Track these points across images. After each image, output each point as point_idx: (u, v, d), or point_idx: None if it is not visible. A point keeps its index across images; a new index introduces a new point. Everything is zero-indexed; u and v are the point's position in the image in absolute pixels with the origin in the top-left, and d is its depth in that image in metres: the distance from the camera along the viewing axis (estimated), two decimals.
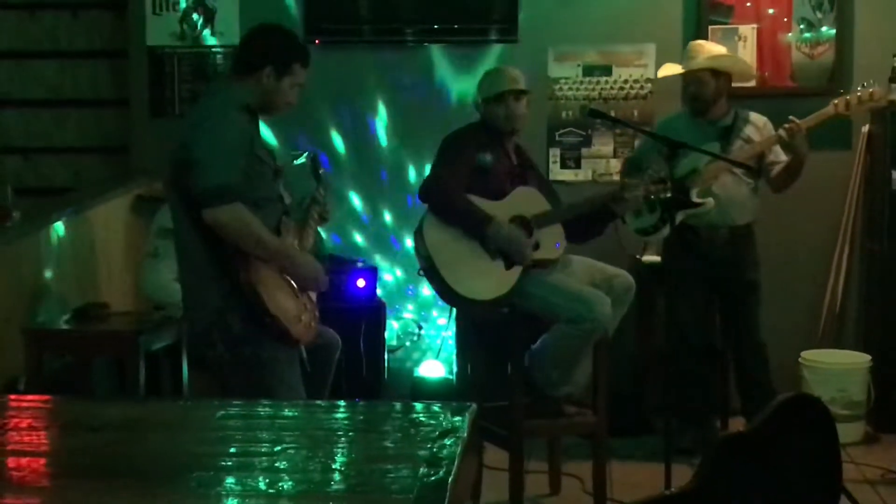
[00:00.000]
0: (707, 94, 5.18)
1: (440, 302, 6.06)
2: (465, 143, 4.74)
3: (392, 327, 6.15)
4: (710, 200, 5.08)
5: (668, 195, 4.70)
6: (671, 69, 5.36)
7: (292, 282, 3.88)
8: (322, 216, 4.19)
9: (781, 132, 5.00)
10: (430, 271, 4.62)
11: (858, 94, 5.03)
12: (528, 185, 4.81)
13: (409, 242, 6.15)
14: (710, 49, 5.27)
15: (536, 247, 4.66)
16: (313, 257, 4.03)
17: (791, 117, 4.97)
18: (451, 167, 4.65)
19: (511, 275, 4.60)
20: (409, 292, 6.24)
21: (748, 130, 5.21)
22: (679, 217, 5.06)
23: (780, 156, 5.17)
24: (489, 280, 4.59)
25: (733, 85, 5.43)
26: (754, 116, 5.27)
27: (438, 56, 6.14)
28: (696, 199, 5.07)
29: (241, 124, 3.78)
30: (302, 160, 4.32)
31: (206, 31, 6.22)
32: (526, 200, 4.73)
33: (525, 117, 4.84)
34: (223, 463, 2.27)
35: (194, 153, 3.68)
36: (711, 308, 5.34)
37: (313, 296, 4.03)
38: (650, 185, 4.74)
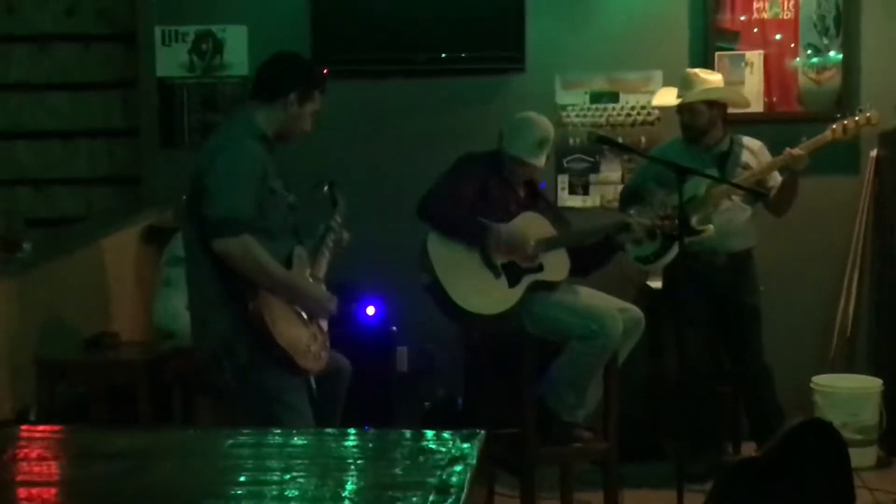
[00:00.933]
0: (700, 124, 5.20)
1: (449, 326, 6.07)
2: (474, 166, 4.78)
3: (402, 354, 6.15)
4: (710, 227, 5.07)
5: (675, 231, 4.72)
6: (666, 98, 5.38)
7: (301, 311, 3.89)
8: (338, 244, 4.19)
9: (782, 158, 5.00)
10: (434, 286, 4.64)
11: (856, 118, 5.02)
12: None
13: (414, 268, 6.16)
14: (705, 79, 5.26)
15: (541, 268, 4.68)
16: (323, 287, 4.04)
17: (796, 150, 4.97)
18: (451, 184, 4.70)
19: (515, 292, 4.62)
20: (420, 319, 6.23)
21: (745, 156, 5.22)
22: (678, 247, 5.06)
23: (777, 180, 5.18)
24: (493, 296, 4.61)
25: (741, 111, 5.45)
26: (750, 141, 5.28)
27: (446, 84, 6.16)
28: (696, 227, 5.07)
29: (257, 154, 3.81)
30: (320, 188, 4.31)
31: (216, 62, 6.25)
32: (531, 225, 4.75)
33: (529, 176, 4.88)
34: (234, 492, 2.28)
35: (208, 181, 3.71)
36: (715, 333, 5.34)
37: (324, 324, 4.04)
38: (657, 220, 4.77)
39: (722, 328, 5.34)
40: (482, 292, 4.61)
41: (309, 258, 4.02)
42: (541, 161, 4.82)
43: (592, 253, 4.85)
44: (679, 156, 5.07)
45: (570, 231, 4.90)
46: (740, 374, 5.35)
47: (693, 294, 5.15)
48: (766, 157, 5.21)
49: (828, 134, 5.02)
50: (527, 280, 4.67)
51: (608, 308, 4.60)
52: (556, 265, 4.74)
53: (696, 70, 5.40)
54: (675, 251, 5.05)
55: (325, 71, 4.14)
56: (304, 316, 3.91)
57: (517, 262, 4.67)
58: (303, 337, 3.87)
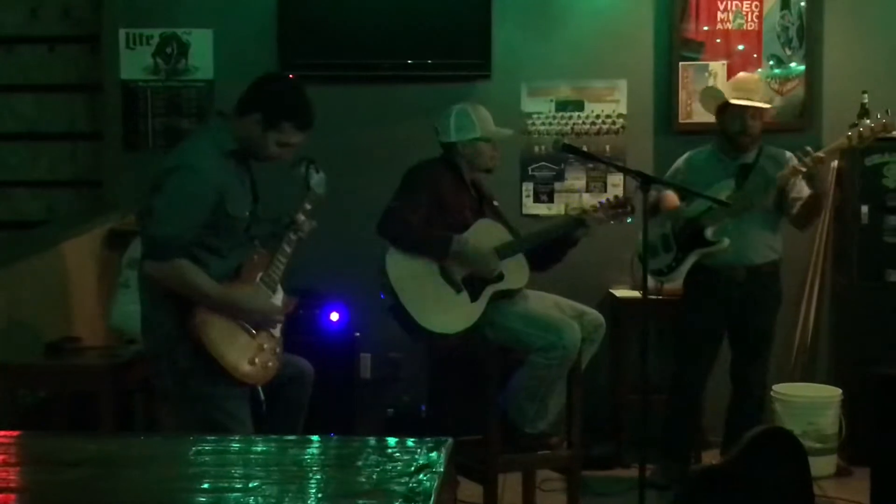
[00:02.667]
0: (759, 130, 5.10)
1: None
2: (428, 177, 4.75)
3: (366, 360, 6.14)
4: (725, 241, 4.99)
5: (630, 220, 4.71)
6: (751, 97, 5.13)
7: (245, 323, 3.86)
8: (300, 234, 4.07)
9: (798, 163, 4.88)
10: (396, 308, 4.61)
11: (872, 125, 4.89)
12: (486, 216, 4.83)
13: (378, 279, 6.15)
14: (764, 85, 5.20)
15: (501, 277, 4.67)
16: (279, 290, 3.99)
17: (815, 154, 4.86)
18: (409, 199, 4.66)
19: (477, 307, 4.60)
20: (384, 325, 6.22)
21: (767, 166, 5.09)
22: (694, 257, 5.04)
23: (802, 192, 5.06)
24: (455, 313, 4.59)
25: (706, 122, 5.45)
26: (778, 152, 5.17)
27: (412, 91, 6.16)
28: (711, 239, 5.03)
29: (215, 177, 3.75)
30: (299, 167, 4.17)
31: (180, 66, 6.23)
32: (487, 233, 4.74)
33: (487, 165, 4.89)
34: (198, 499, 2.26)
35: (156, 200, 3.69)
36: (716, 353, 5.27)
37: (276, 331, 4.00)
38: (608, 209, 4.76)
39: (733, 344, 5.24)
40: (445, 310, 4.58)
41: (264, 259, 3.96)
42: (508, 131, 4.94)
43: (547, 250, 4.85)
44: (704, 163, 5.07)
45: (528, 234, 4.88)
46: (738, 389, 5.25)
47: (710, 310, 5.11)
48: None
49: (843, 140, 4.92)
50: (488, 292, 4.66)
51: (567, 319, 4.59)
52: (516, 272, 4.74)
53: (752, 74, 5.35)
54: (689, 262, 5.02)
55: (290, 76, 4.05)
56: (249, 327, 3.87)
57: (477, 275, 4.66)
58: (248, 350, 3.84)
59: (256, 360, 3.85)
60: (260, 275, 3.94)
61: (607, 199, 4.83)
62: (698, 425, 5.58)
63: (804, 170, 4.87)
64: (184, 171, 3.72)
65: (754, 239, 5.09)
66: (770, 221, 5.15)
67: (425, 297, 4.58)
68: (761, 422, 5.15)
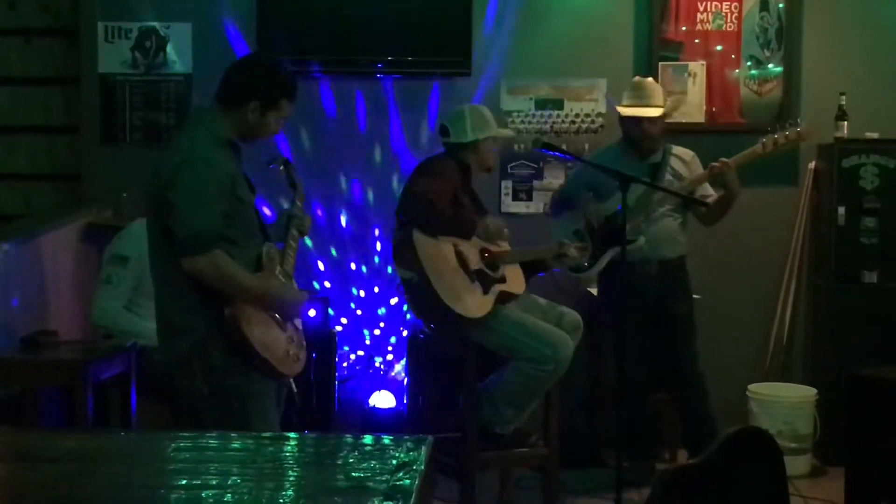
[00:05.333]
0: (659, 132, 5.25)
1: (391, 331, 6.07)
2: (448, 168, 4.73)
3: (344, 356, 6.13)
4: (641, 238, 5.13)
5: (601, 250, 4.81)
6: (639, 109, 5.29)
7: (276, 315, 3.83)
8: (301, 230, 4.06)
9: (710, 169, 5.09)
10: (418, 286, 4.55)
11: (786, 133, 5.08)
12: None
13: (359, 270, 6.16)
14: (659, 88, 5.34)
15: (503, 280, 4.67)
16: (294, 284, 3.96)
17: (721, 159, 5.08)
18: (433, 184, 4.60)
19: (488, 299, 4.60)
20: (361, 321, 6.23)
21: (675, 164, 5.28)
22: (611, 254, 5.10)
23: (708, 191, 5.25)
24: (471, 300, 4.56)
25: (684, 122, 5.50)
26: (680, 150, 5.34)
27: (391, 88, 6.16)
28: (627, 237, 5.09)
29: (224, 166, 3.71)
30: (276, 165, 4.18)
31: (159, 60, 6.20)
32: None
33: (491, 163, 4.97)
34: (175, 496, 2.26)
35: (174, 197, 3.63)
36: (650, 341, 5.36)
37: (298, 323, 3.98)
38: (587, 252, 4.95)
39: (656, 337, 5.37)
40: (463, 295, 4.54)
41: (277, 254, 3.92)
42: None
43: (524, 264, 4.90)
44: (614, 163, 5.11)
45: (522, 250, 4.91)
46: (674, 382, 5.39)
47: (628, 303, 5.17)
48: (698, 166, 5.27)
49: (758, 147, 5.09)
50: (496, 289, 4.65)
51: (562, 333, 4.59)
52: (516, 278, 4.75)
53: (648, 78, 5.45)
54: (606, 259, 5.11)
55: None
56: (280, 319, 3.84)
57: (486, 270, 4.65)
58: (281, 340, 3.79)
59: (290, 352, 3.82)
60: (278, 269, 3.90)
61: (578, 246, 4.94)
62: (656, 422, 5.59)
63: (716, 175, 5.06)
64: (196, 163, 3.67)
65: (665, 235, 5.25)
66: (678, 218, 5.30)
67: (448, 280, 4.54)
68: (709, 409, 5.25)
